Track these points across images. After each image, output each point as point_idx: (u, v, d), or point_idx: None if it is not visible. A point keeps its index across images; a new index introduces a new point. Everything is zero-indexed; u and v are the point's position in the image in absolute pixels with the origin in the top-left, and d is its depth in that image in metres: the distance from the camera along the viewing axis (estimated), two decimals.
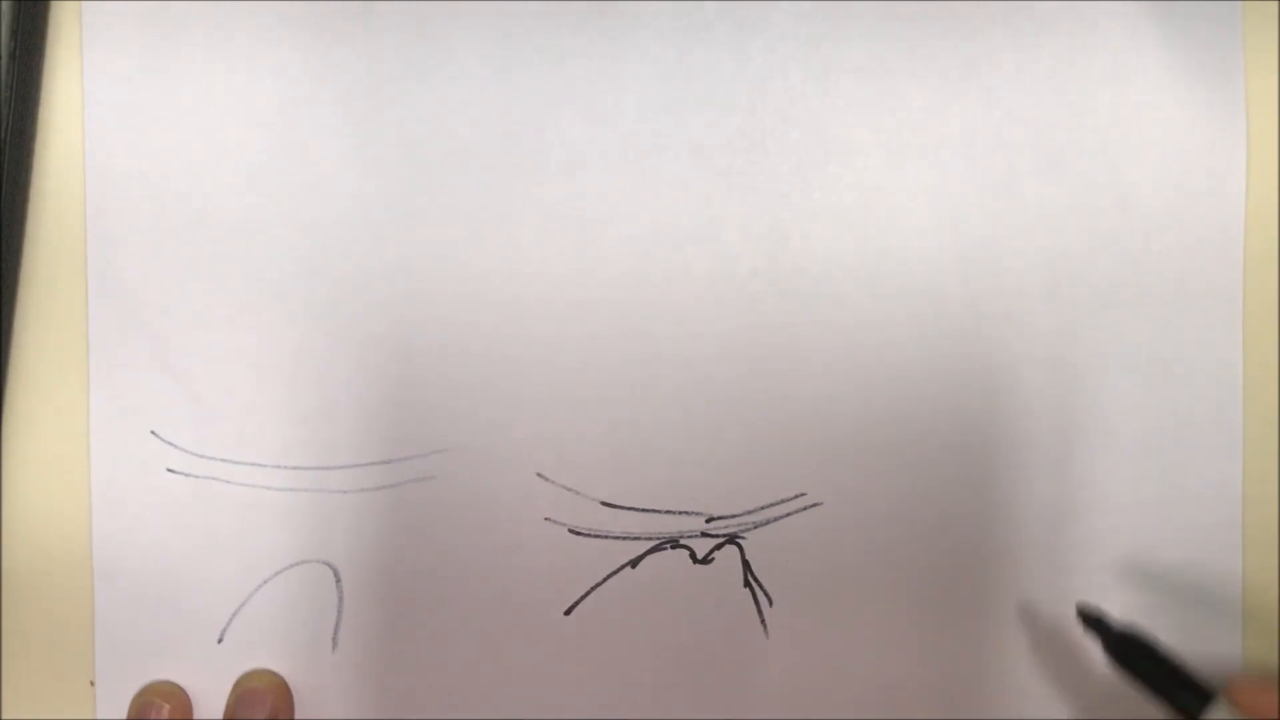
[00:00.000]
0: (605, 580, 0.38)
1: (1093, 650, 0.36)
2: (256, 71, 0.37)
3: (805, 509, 0.38)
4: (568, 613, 0.38)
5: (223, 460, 0.37)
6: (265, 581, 0.37)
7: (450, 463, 0.37)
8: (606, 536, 0.38)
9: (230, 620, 0.37)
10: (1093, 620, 0.35)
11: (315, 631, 0.37)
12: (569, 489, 0.38)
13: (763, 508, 0.38)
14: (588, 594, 0.38)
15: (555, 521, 0.38)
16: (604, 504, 0.38)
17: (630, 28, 0.37)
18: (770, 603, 0.38)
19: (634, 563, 0.38)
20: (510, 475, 0.37)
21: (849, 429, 0.38)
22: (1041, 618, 0.38)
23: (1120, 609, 0.38)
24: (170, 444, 0.37)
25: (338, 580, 0.37)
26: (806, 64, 0.37)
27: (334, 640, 0.38)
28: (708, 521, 0.38)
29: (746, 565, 0.38)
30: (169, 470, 0.37)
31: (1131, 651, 0.34)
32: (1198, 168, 0.38)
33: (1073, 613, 0.37)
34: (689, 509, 0.38)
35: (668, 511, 0.38)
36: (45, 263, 0.37)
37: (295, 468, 0.37)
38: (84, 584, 0.37)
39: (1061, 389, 0.38)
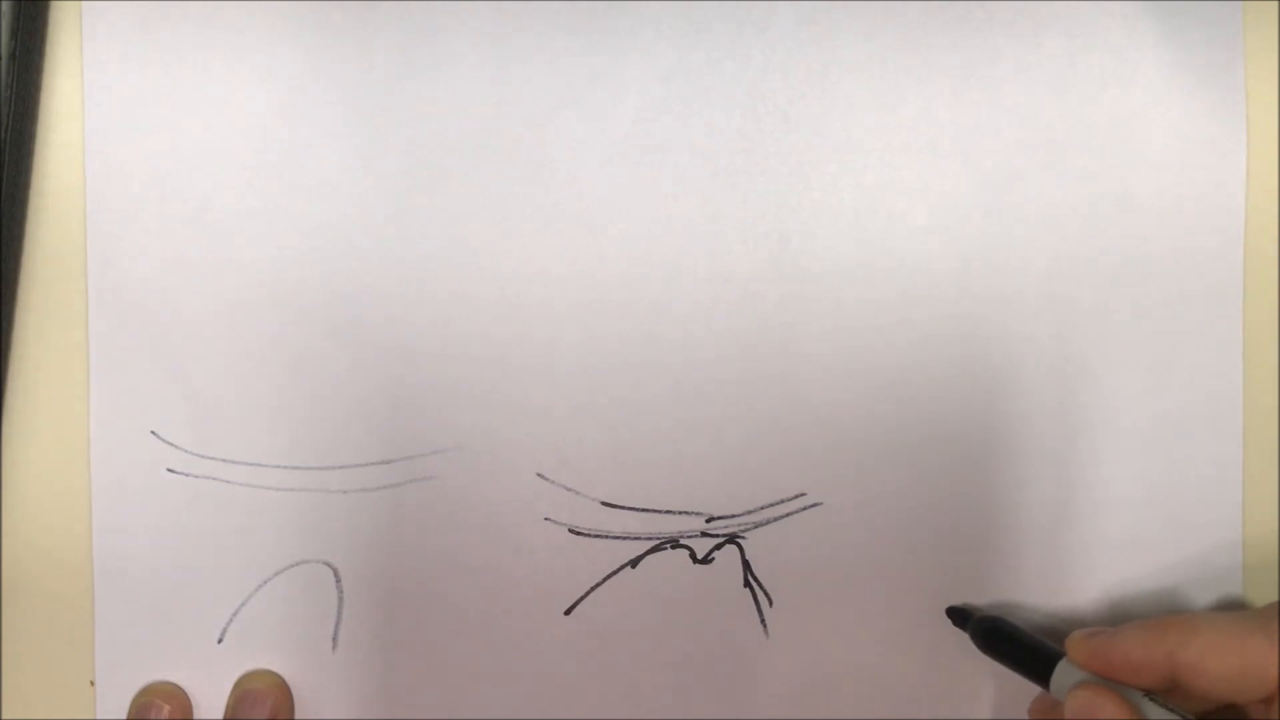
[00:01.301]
0: (605, 580, 0.38)
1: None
2: (257, 71, 0.37)
3: (805, 509, 0.38)
4: (568, 613, 0.38)
5: (223, 460, 0.37)
6: (265, 581, 0.37)
7: (450, 463, 0.37)
8: (606, 536, 0.38)
9: (230, 620, 0.37)
10: (958, 616, 0.37)
11: (315, 631, 0.37)
12: (569, 489, 0.38)
13: (763, 508, 0.38)
14: (588, 594, 0.38)
15: (555, 521, 0.38)
16: (604, 504, 0.38)
17: (630, 28, 0.37)
18: (770, 603, 0.38)
19: (634, 563, 0.38)
20: (510, 475, 0.37)
21: (849, 429, 0.38)
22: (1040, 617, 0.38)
23: (1120, 609, 0.38)
24: (170, 444, 0.37)
25: (338, 580, 0.37)
26: (806, 64, 0.37)
27: (334, 640, 0.37)
28: (708, 521, 0.38)
29: (746, 565, 0.38)
30: (169, 470, 0.37)
31: (990, 634, 0.36)
32: (1198, 168, 0.38)
33: (1067, 610, 0.37)
34: (689, 509, 0.38)
35: (668, 511, 0.38)
36: (45, 263, 0.37)
37: (295, 468, 0.37)
38: (84, 584, 0.37)
39: (1061, 389, 0.38)
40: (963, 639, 0.37)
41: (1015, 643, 0.36)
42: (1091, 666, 0.33)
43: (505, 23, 0.37)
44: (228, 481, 0.37)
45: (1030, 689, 0.35)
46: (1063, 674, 0.34)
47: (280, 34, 0.37)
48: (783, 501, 0.38)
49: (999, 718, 0.38)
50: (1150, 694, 0.32)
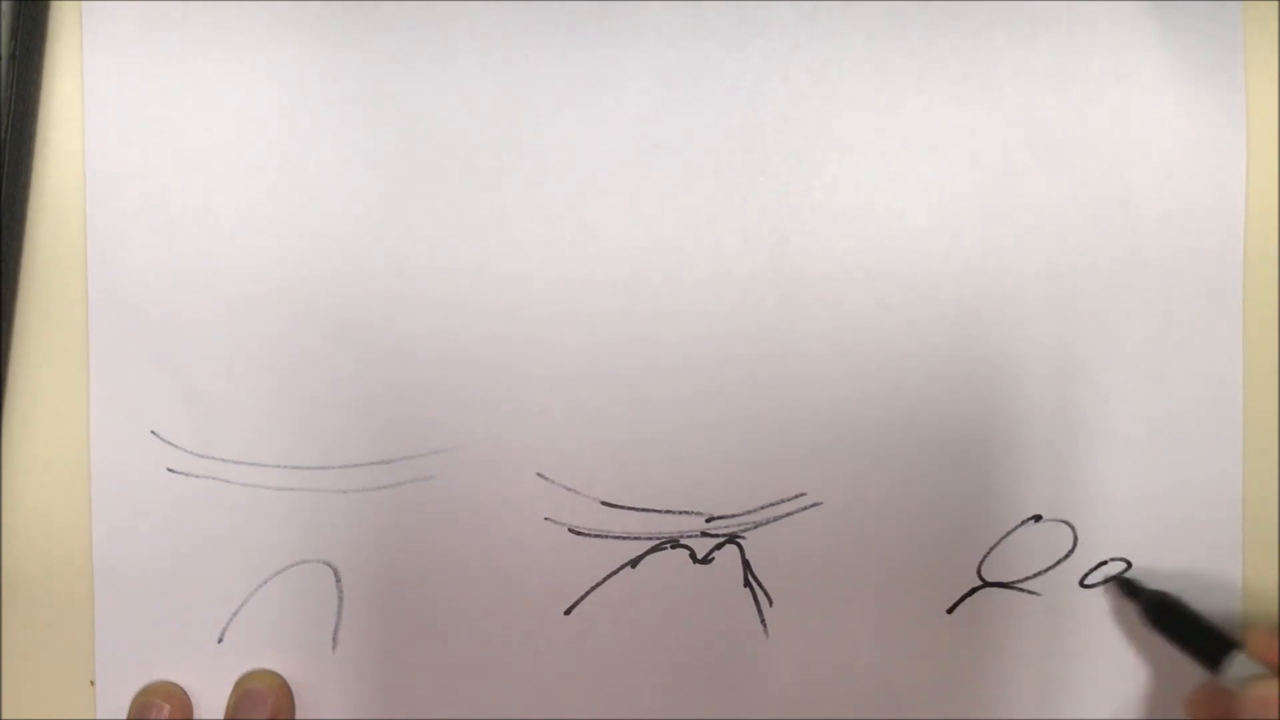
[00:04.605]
0: (605, 580, 0.38)
1: (1098, 636, 0.37)
2: (257, 71, 0.37)
3: (805, 509, 0.38)
4: (568, 613, 0.38)
5: (223, 460, 0.37)
6: (265, 581, 0.37)
7: (450, 463, 0.37)
8: (606, 536, 0.38)
9: (230, 620, 0.37)
10: (1128, 587, 0.37)
11: (315, 631, 0.37)
12: (569, 489, 0.38)
13: (763, 508, 0.38)
14: (588, 594, 0.38)
15: (555, 521, 0.38)
16: (604, 504, 0.38)
17: (630, 28, 0.37)
18: (770, 603, 0.38)
19: (634, 563, 0.38)
20: (510, 475, 0.37)
21: (849, 429, 0.38)
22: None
23: (1119, 609, 0.38)
24: (170, 444, 0.37)
25: (338, 580, 0.37)
26: (807, 64, 0.37)
27: (334, 640, 0.38)
28: (708, 521, 0.38)
29: (746, 565, 0.38)
30: (169, 470, 0.37)
31: (1162, 612, 0.36)
32: (1198, 168, 0.38)
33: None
34: (689, 509, 0.38)
35: (668, 511, 0.38)
36: (45, 263, 0.37)
37: (295, 468, 0.37)
38: (84, 584, 0.37)
39: (1061, 389, 0.38)
40: (960, 639, 0.37)
41: (1188, 623, 0.36)
42: (1276, 663, 0.33)
43: (505, 23, 0.37)
44: (228, 481, 0.37)
45: (1027, 692, 0.35)
46: (1239, 665, 0.34)
47: (281, 34, 0.37)
48: (783, 501, 0.38)
49: (997, 718, 0.38)
50: None
